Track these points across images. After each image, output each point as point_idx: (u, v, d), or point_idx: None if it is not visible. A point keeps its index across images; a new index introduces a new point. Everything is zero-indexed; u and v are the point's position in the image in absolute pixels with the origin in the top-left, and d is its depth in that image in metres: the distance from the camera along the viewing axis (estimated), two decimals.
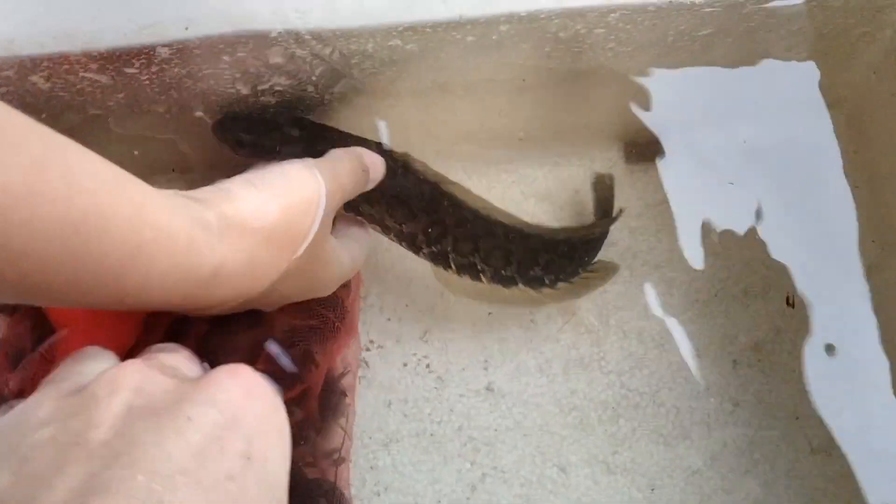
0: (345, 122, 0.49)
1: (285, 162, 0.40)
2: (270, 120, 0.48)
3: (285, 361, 0.42)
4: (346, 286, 0.48)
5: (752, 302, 0.57)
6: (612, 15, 0.46)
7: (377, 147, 0.48)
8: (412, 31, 0.44)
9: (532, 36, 0.47)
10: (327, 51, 0.45)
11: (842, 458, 0.53)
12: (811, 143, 0.59)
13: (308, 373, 0.43)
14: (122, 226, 0.30)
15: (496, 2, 0.44)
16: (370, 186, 0.45)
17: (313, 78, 0.47)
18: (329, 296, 0.45)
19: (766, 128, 0.59)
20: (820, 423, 0.54)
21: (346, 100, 0.50)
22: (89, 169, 0.29)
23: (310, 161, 0.41)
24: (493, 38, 0.46)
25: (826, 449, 0.53)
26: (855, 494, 0.52)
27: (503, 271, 0.50)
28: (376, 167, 0.45)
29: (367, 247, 0.48)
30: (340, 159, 0.43)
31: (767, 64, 0.54)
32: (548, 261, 0.51)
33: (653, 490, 0.53)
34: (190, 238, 0.33)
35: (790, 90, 0.56)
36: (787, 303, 0.56)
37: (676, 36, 0.49)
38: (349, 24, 0.43)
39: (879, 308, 0.55)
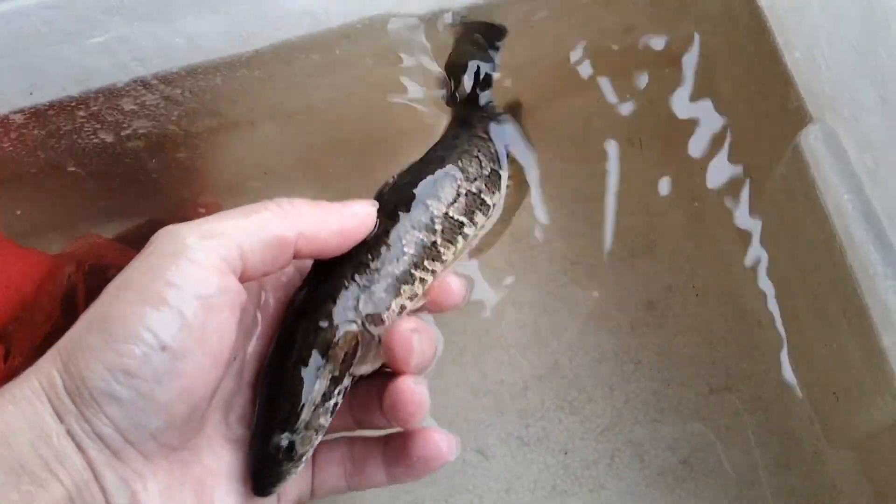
0: (211, 156, 0.51)
1: None
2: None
3: None
4: None
5: (638, 262, 0.60)
6: None
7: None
8: (255, 58, 0.46)
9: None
10: (177, 91, 0.46)
11: (738, 393, 0.56)
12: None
13: None
14: None
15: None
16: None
17: (173, 118, 0.49)
18: None
19: None
20: (715, 365, 0.57)
21: (210, 134, 0.51)
22: None
23: None
24: (337, 53, 0.48)
25: (724, 387, 0.56)
26: (754, 428, 0.55)
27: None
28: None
29: None
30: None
31: None
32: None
33: (566, 453, 0.55)
34: None
35: None
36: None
37: None
38: (189, 62, 0.44)
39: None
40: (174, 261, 0.32)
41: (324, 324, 0.36)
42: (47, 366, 0.31)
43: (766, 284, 0.56)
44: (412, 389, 0.36)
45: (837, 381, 0.50)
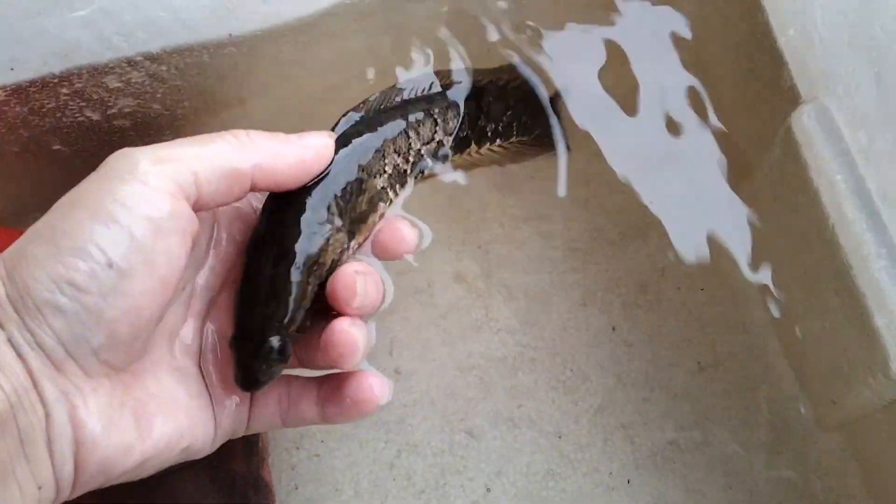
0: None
1: None
2: None
3: None
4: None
5: (630, 244, 0.60)
6: None
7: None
8: (241, 38, 0.45)
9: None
10: (163, 68, 0.46)
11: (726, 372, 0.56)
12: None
13: None
14: None
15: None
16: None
17: (158, 96, 0.48)
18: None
19: None
20: (705, 344, 0.57)
21: (197, 114, 0.51)
22: None
23: None
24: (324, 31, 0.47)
25: (713, 367, 0.56)
26: (743, 408, 0.55)
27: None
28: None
29: None
30: None
31: None
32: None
33: (560, 437, 0.55)
34: None
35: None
36: None
37: None
38: (175, 42, 0.43)
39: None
40: (126, 182, 0.32)
41: (316, 230, 0.37)
42: None
43: (757, 265, 0.56)
44: (346, 331, 0.36)
45: (828, 361, 0.50)
